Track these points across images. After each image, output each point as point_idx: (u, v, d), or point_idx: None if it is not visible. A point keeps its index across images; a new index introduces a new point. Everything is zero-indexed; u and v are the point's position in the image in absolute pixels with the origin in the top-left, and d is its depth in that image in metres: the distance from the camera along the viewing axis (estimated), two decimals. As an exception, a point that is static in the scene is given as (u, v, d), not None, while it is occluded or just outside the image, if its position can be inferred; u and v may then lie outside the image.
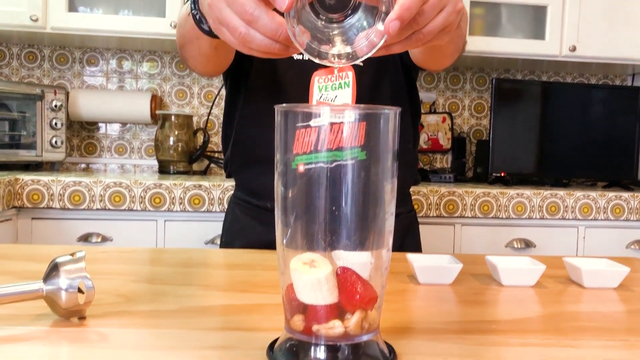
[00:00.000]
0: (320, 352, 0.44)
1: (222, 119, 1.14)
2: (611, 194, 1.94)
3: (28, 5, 1.94)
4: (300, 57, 0.96)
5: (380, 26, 0.47)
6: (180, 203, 1.75)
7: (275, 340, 0.48)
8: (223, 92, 2.28)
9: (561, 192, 1.93)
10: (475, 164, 2.40)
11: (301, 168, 0.43)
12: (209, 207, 1.76)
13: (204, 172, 2.24)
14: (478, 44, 2.13)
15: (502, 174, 2.15)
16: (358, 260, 0.44)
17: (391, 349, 0.47)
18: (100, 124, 2.32)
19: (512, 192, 1.90)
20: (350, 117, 0.42)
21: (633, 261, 0.89)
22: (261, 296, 0.66)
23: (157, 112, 2.16)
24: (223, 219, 1.18)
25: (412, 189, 1.21)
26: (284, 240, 0.45)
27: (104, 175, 1.94)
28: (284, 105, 0.44)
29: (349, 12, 0.48)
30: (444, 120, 2.42)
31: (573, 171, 2.24)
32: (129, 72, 2.33)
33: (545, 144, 2.20)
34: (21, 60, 2.28)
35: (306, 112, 0.43)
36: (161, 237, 1.78)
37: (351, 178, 0.42)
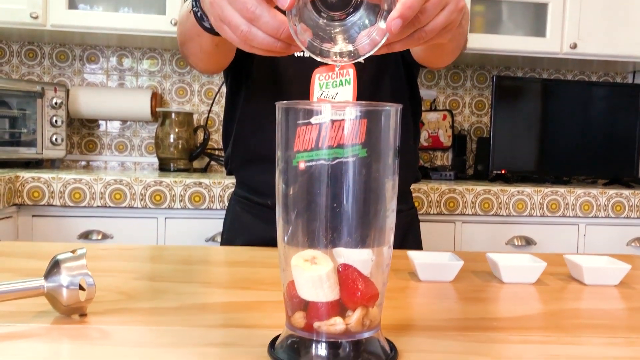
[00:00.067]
0: (322, 349, 0.44)
1: (222, 116, 1.14)
2: (612, 192, 1.94)
3: (28, 2, 1.94)
4: (301, 54, 0.95)
5: (382, 24, 0.47)
6: (181, 200, 1.75)
7: (277, 337, 0.48)
8: (223, 89, 2.29)
9: (562, 190, 1.93)
10: (475, 161, 2.39)
11: (302, 165, 0.43)
12: (209, 205, 1.76)
13: (205, 170, 2.24)
14: (479, 41, 2.13)
15: (503, 172, 2.14)
16: (359, 258, 0.44)
17: (392, 346, 0.47)
18: (100, 122, 2.32)
19: (512, 189, 1.90)
20: (351, 114, 0.42)
21: (634, 258, 0.89)
22: (262, 293, 0.66)
23: (158, 109, 2.16)
24: (224, 216, 1.18)
25: (413, 186, 1.21)
26: (285, 238, 0.45)
27: (105, 172, 1.94)
28: (285, 102, 0.44)
29: (351, 10, 0.48)
30: (444, 117, 2.42)
31: (574, 169, 2.23)
32: (129, 69, 2.33)
33: (546, 142, 2.20)
34: (21, 57, 2.28)
35: (307, 109, 0.43)
36: (162, 235, 1.78)
37: (352, 175, 0.42)
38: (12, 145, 1.98)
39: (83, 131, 2.32)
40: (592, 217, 1.94)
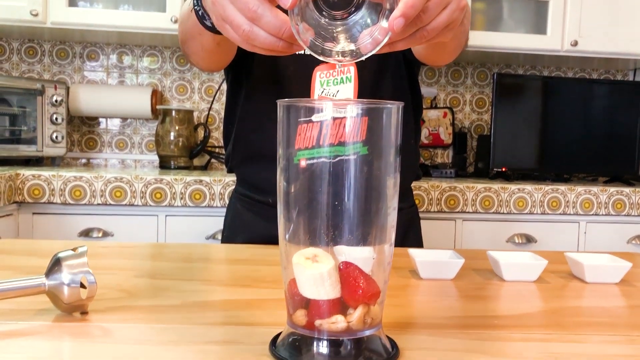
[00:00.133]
0: (323, 347, 0.44)
1: (222, 114, 1.14)
2: (612, 189, 1.94)
3: (28, 0, 1.93)
4: (302, 52, 0.95)
5: (384, 23, 0.47)
6: (181, 198, 1.75)
7: (278, 335, 0.48)
8: (224, 87, 2.28)
9: (562, 187, 1.93)
10: (476, 159, 2.39)
11: (303, 163, 0.43)
12: (209, 202, 1.76)
13: (205, 167, 2.24)
14: (479, 39, 2.13)
15: (503, 169, 2.14)
16: (360, 255, 0.44)
17: (393, 344, 0.47)
18: (100, 119, 2.32)
19: (513, 187, 1.90)
20: (352, 112, 0.42)
21: (635, 256, 0.89)
22: (263, 291, 0.66)
23: (158, 107, 2.16)
24: (224, 214, 1.18)
25: (413, 184, 1.21)
26: (287, 235, 0.45)
27: (105, 170, 1.94)
28: (286, 100, 0.44)
29: (353, 9, 0.48)
30: (445, 115, 2.41)
31: (574, 166, 2.23)
32: (130, 67, 2.33)
33: (547, 139, 2.20)
34: (21, 55, 2.27)
35: (308, 107, 0.42)
36: (162, 232, 1.78)
37: (353, 173, 0.42)
38: (13, 142, 1.98)
39: (83, 129, 2.32)
40: (592, 214, 1.94)
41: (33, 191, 1.70)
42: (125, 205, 1.74)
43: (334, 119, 0.42)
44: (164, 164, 2.15)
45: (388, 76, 1.03)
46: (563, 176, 2.21)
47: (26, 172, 1.70)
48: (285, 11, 0.48)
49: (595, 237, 1.96)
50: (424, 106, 2.35)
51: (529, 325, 0.56)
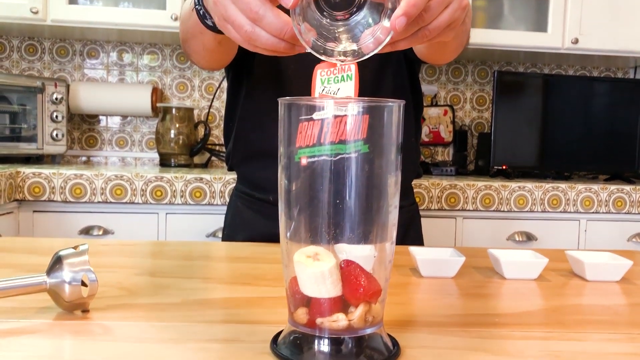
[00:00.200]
0: (324, 345, 0.44)
1: (223, 111, 1.14)
2: (613, 187, 1.94)
3: (28, -3, 1.93)
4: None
5: (386, 23, 0.47)
6: (182, 196, 1.75)
7: (279, 333, 0.48)
8: (224, 84, 2.28)
9: (563, 185, 1.93)
10: (476, 156, 2.39)
11: (304, 161, 0.43)
12: (210, 200, 1.76)
13: (205, 165, 2.24)
14: (480, 36, 2.12)
15: (504, 167, 2.14)
16: (361, 254, 0.44)
17: (395, 342, 0.47)
18: (100, 117, 2.32)
19: (513, 185, 1.90)
20: (353, 110, 0.42)
21: (635, 254, 0.89)
22: (264, 289, 0.66)
23: (158, 104, 2.15)
24: (224, 212, 1.18)
25: (414, 182, 1.21)
26: (288, 234, 0.45)
27: (105, 168, 1.94)
28: (288, 98, 0.44)
29: (354, 9, 0.48)
30: (445, 113, 2.41)
31: (575, 164, 2.23)
32: (130, 64, 2.32)
33: (547, 137, 2.20)
34: (21, 52, 2.27)
35: (309, 105, 0.42)
36: (162, 230, 1.78)
37: (355, 171, 0.42)
38: (13, 140, 1.97)
39: (83, 126, 2.32)
40: (593, 212, 1.94)
41: (33, 189, 1.70)
42: (126, 203, 1.74)
43: (335, 116, 0.42)
44: (165, 162, 2.15)
45: (389, 74, 1.03)
46: (563, 174, 2.21)
47: (26, 170, 1.70)
48: (287, 11, 0.48)
49: (596, 235, 1.96)
50: (424, 104, 2.35)
51: (530, 323, 0.56)
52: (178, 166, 2.12)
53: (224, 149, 1.43)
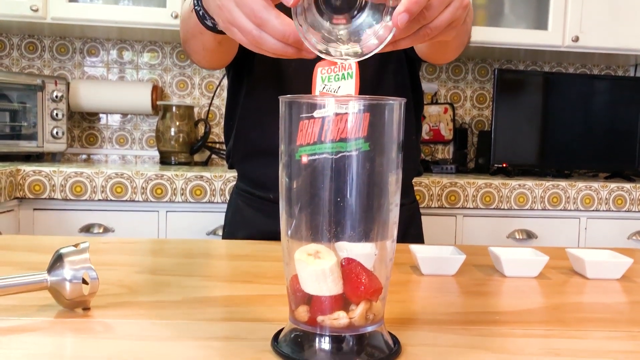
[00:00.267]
0: (325, 343, 0.44)
1: (223, 109, 1.14)
2: (613, 185, 1.94)
3: (28, -5, 1.93)
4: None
5: (387, 21, 0.47)
6: (182, 194, 1.75)
7: (280, 330, 0.48)
8: (224, 82, 2.28)
9: (563, 183, 1.93)
10: (477, 154, 2.39)
11: (304, 159, 0.43)
12: (210, 198, 1.76)
13: (205, 163, 2.24)
14: (480, 34, 2.12)
15: (504, 165, 2.14)
16: (362, 252, 0.44)
17: (395, 340, 0.47)
18: (101, 115, 2.32)
19: (513, 183, 1.90)
20: (354, 108, 0.42)
21: (635, 252, 0.89)
22: (264, 287, 0.66)
23: (158, 102, 2.15)
24: (225, 210, 1.18)
25: (414, 180, 1.21)
26: (289, 232, 0.45)
27: (105, 166, 1.94)
28: (289, 96, 0.44)
29: (355, 12, 0.47)
30: (445, 111, 2.41)
31: (575, 162, 2.23)
32: (130, 62, 2.32)
33: (547, 135, 2.19)
34: (21, 50, 2.27)
35: (311, 103, 0.42)
36: (163, 228, 1.78)
37: (355, 169, 0.42)
38: (13, 138, 1.97)
39: (84, 124, 2.32)
40: (593, 210, 1.94)
41: (34, 187, 1.70)
42: (126, 201, 1.74)
43: (336, 114, 0.42)
44: (165, 160, 2.15)
45: (390, 73, 1.03)
46: (564, 172, 2.21)
47: (27, 168, 1.70)
48: (289, 12, 0.48)
49: (596, 233, 1.96)
50: (424, 102, 2.35)
51: (530, 321, 0.56)
52: (178, 164, 2.12)
53: (224, 147, 1.42)
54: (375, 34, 0.47)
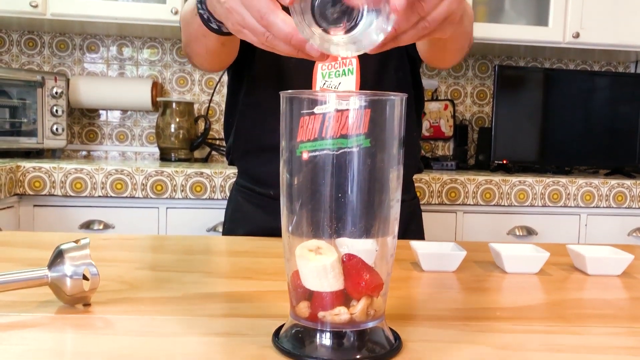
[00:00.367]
0: (326, 339, 0.44)
1: (223, 106, 1.14)
2: (613, 182, 1.94)
3: (27, -9, 1.93)
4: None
5: (385, 16, 0.46)
6: (182, 190, 1.75)
7: (281, 326, 0.48)
8: (224, 79, 2.28)
9: (563, 180, 1.93)
10: (477, 151, 2.39)
11: (305, 155, 0.42)
12: (210, 195, 1.76)
13: (206, 160, 2.24)
14: (481, 31, 2.12)
15: (504, 162, 2.14)
16: (363, 248, 0.44)
17: (396, 336, 0.47)
18: (101, 111, 2.32)
19: (514, 179, 1.90)
20: (354, 104, 0.42)
21: (636, 249, 0.89)
22: (265, 283, 0.66)
23: (158, 99, 2.15)
24: (225, 206, 1.18)
25: (414, 176, 1.21)
26: (290, 228, 0.45)
27: (105, 162, 1.94)
28: (290, 91, 0.43)
29: (353, 24, 0.47)
30: (446, 107, 2.41)
31: (575, 159, 2.23)
32: (130, 58, 2.32)
33: (548, 132, 2.19)
34: (21, 46, 2.27)
35: (312, 99, 0.42)
36: (163, 225, 1.78)
37: (357, 165, 0.42)
38: (13, 135, 1.97)
39: (84, 121, 2.32)
40: (593, 207, 1.94)
41: (34, 183, 1.70)
42: (126, 197, 1.74)
43: (337, 110, 0.42)
44: (165, 156, 2.15)
45: (391, 69, 1.02)
46: (564, 168, 2.21)
47: (27, 165, 1.70)
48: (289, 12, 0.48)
49: (596, 230, 1.96)
50: (425, 98, 2.34)
51: (531, 317, 0.56)
52: (178, 160, 2.12)
53: (224, 144, 1.43)
54: (375, 29, 0.47)
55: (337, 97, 0.42)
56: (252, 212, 1.07)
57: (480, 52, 2.44)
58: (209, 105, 2.30)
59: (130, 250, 0.83)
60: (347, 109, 0.42)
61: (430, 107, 2.40)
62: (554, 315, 0.57)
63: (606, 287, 0.69)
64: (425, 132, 2.41)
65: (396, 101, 0.43)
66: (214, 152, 2.27)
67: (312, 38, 0.47)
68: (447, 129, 2.41)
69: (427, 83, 2.39)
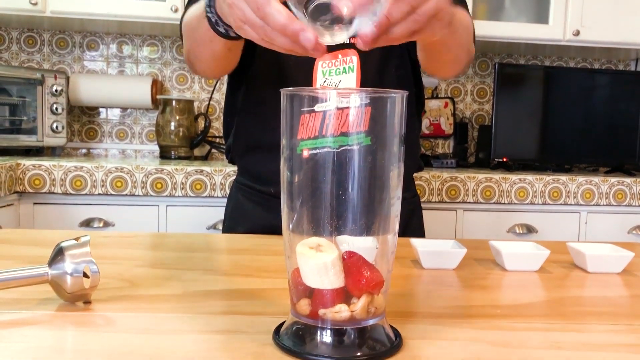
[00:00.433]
0: (327, 336, 0.44)
1: (223, 104, 1.13)
2: (613, 180, 1.94)
3: (27, -12, 1.92)
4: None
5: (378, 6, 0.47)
6: (182, 188, 1.75)
7: (281, 324, 0.48)
8: (224, 77, 2.28)
9: (563, 178, 1.93)
10: (477, 149, 2.39)
11: (305, 153, 0.42)
12: (210, 193, 1.76)
13: (205, 158, 2.24)
14: (481, 28, 2.11)
15: (504, 160, 2.14)
16: (364, 245, 0.43)
17: (397, 333, 0.47)
18: (100, 109, 2.32)
19: (514, 177, 1.90)
20: (355, 101, 0.42)
21: (636, 246, 0.89)
22: (265, 281, 0.66)
23: (158, 97, 2.15)
24: (225, 204, 1.18)
25: (415, 174, 1.21)
26: (290, 225, 0.45)
27: (105, 160, 1.94)
28: (290, 89, 0.43)
29: (347, 22, 0.48)
30: (446, 105, 2.41)
31: (575, 156, 2.23)
32: (130, 56, 2.32)
33: (548, 129, 2.19)
34: (21, 44, 2.26)
35: (312, 96, 0.42)
36: (163, 223, 1.78)
37: (357, 163, 0.42)
38: (13, 132, 1.97)
39: (83, 119, 2.32)
40: (593, 205, 1.94)
41: (34, 181, 1.70)
42: (126, 195, 1.74)
43: (337, 108, 0.42)
44: (165, 154, 2.15)
45: (391, 67, 1.02)
46: (564, 166, 2.21)
47: (27, 162, 1.70)
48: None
49: (596, 228, 1.96)
50: (425, 97, 2.34)
51: (531, 314, 0.56)
52: (178, 158, 2.12)
53: (224, 142, 1.42)
54: (370, 16, 0.47)
55: (337, 95, 0.42)
56: (252, 210, 1.07)
57: (480, 49, 2.43)
58: (209, 103, 2.30)
59: (130, 247, 0.83)
60: (348, 107, 0.41)
61: (431, 104, 2.40)
62: (554, 313, 0.57)
63: (606, 284, 0.69)
64: (425, 130, 2.41)
65: (397, 98, 0.43)
66: (214, 150, 2.27)
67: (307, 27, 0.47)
68: (447, 126, 2.41)
69: (427, 81, 2.38)
